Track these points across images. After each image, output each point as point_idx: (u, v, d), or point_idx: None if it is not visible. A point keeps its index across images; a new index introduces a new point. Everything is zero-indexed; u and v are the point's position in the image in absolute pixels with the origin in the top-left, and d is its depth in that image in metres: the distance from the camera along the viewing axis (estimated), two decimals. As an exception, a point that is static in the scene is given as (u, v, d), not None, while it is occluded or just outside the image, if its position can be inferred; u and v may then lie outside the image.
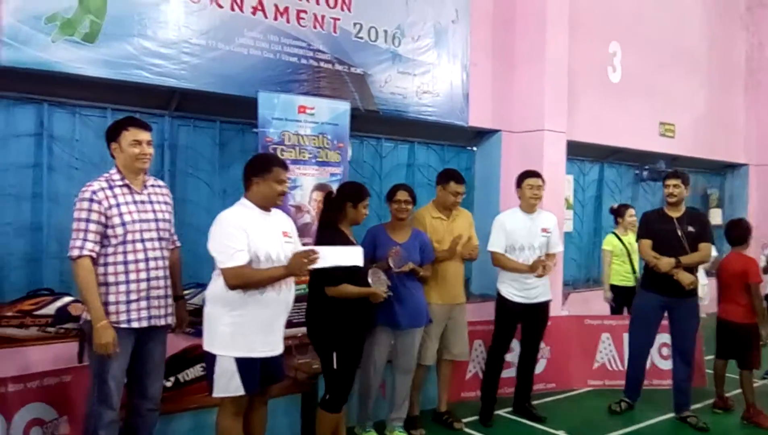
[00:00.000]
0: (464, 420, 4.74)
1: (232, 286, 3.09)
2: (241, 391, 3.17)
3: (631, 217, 6.38)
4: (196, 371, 4.02)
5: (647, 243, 4.90)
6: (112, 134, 3.19)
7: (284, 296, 3.27)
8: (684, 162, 9.49)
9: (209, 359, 3.20)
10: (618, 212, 6.52)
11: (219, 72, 4.86)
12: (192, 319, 4.43)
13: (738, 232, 5.18)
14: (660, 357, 5.80)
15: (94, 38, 4.31)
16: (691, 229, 4.86)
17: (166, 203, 3.34)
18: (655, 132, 8.76)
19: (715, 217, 9.80)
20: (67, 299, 4.19)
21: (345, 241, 3.76)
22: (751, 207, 10.20)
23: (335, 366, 3.72)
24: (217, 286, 3.18)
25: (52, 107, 4.59)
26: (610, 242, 6.37)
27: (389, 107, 5.92)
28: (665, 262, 4.73)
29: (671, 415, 5.03)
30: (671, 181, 4.95)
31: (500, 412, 4.93)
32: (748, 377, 4.97)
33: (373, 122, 6.10)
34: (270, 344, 3.26)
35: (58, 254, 4.54)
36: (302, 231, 4.49)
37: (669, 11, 8.86)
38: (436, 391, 4.78)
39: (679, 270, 4.71)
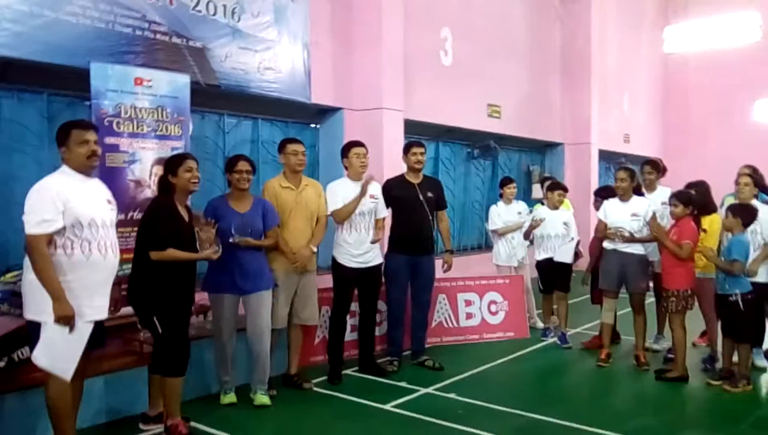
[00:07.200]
0: (313, 381, 4.95)
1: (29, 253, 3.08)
2: None
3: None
4: (31, 349, 3.86)
5: None
6: None
7: (110, 261, 3.30)
8: (510, 141, 10.39)
9: (35, 329, 3.13)
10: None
11: (45, 40, 4.64)
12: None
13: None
14: (489, 313, 6.43)
15: None
16: (430, 194, 5.33)
17: None
18: (483, 113, 9.52)
19: (537, 191, 10.81)
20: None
21: (173, 214, 3.74)
22: (567, 181, 11.36)
23: (160, 330, 3.69)
24: None
25: None
26: None
27: (231, 82, 5.94)
28: None
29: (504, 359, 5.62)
30: (418, 150, 5.30)
31: (348, 371, 5.21)
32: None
33: (216, 97, 6.08)
34: (96, 309, 3.26)
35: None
36: (142, 206, 4.43)
37: (494, 1, 9.62)
38: (286, 356, 4.93)
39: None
